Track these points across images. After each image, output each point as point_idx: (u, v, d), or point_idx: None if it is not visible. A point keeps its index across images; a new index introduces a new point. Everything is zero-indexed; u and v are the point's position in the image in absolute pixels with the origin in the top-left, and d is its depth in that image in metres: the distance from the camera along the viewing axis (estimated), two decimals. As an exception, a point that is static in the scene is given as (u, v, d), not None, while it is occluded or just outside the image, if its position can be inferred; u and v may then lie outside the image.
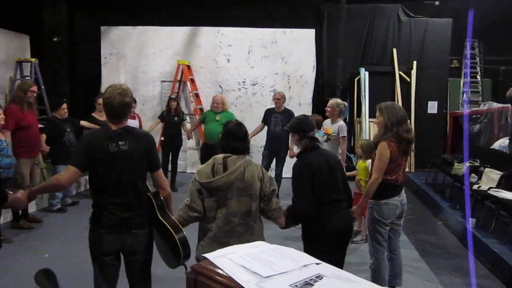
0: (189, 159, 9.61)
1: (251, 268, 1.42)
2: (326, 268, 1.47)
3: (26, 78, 8.46)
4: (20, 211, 5.73)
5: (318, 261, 1.50)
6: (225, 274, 1.41)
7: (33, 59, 8.67)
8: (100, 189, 2.77)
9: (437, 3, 10.06)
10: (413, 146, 3.76)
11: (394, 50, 9.77)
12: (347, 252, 3.45)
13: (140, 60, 9.70)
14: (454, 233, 5.96)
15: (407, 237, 5.67)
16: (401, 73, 9.75)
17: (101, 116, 6.85)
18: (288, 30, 9.40)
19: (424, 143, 9.58)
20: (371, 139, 6.05)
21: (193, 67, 9.53)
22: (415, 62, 9.75)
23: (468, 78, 10.13)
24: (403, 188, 3.83)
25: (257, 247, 1.66)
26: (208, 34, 9.52)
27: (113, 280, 2.88)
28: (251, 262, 1.47)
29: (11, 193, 2.65)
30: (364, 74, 9.59)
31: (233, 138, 2.88)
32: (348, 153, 7.62)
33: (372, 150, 5.11)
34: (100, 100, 6.88)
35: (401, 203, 3.75)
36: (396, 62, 9.74)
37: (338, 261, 3.32)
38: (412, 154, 9.55)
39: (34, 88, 5.86)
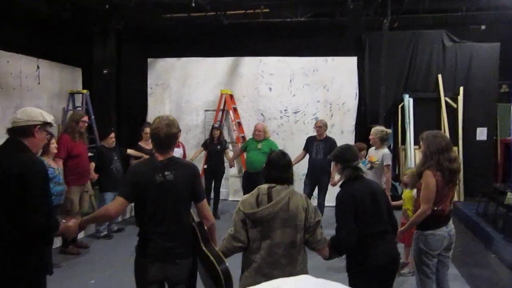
0: (231, 186, 9.67)
1: (297, 303, 1.40)
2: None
3: (78, 109, 8.85)
4: (69, 237, 5.92)
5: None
6: (270, 309, 1.39)
7: (85, 91, 9.08)
8: (146, 218, 2.83)
9: (483, 27, 9.80)
10: (459, 176, 3.61)
11: (439, 76, 9.56)
12: (394, 285, 3.32)
13: (184, 90, 9.98)
14: (509, 267, 5.63)
15: (457, 271, 5.40)
16: (447, 99, 9.50)
17: (147, 144, 7.05)
18: (329, 58, 9.42)
19: (473, 171, 9.20)
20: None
21: (235, 96, 9.69)
22: (461, 88, 9.48)
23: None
24: (451, 219, 3.69)
25: (301, 280, 1.63)
26: (250, 64, 9.69)
27: (157, 309, 2.90)
28: (296, 297, 1.45)
29: (64, 221, 2.75)
30: (408, 101, 9.42)
31: (276, 167, 2.89)
32: (393, 182, 7.43)
33: (416, 179, 5.00)
34: (147, 129, 7.10)
35: (449, 234, 3.61)
36: (442, 88, 9.51)
37: (384, 295, 3.21)
38: (461, 183, 9.18)
39: (85, 118, 6.14)
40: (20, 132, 2.58)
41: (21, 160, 2.48)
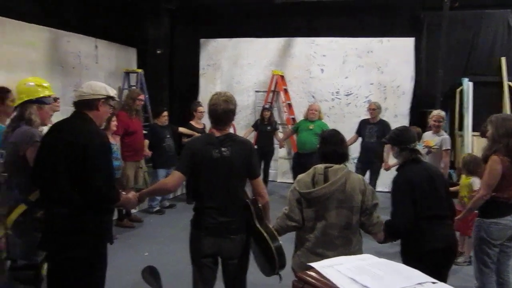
0: (279, 168, 9.67)
1: (361, 281, 1.38)
2: (443, 288, 1.37)
3: (133, 87, 9.09)
4: (124, 211, 6.15)
5: (434, 280, 1.41)
6: (333, 285, 1.38)
7: (139, 70, 9.31)
8: (201, 193, 2.87)
9: (555, 7, 9.15)
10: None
11: (503, 59, 9.03)
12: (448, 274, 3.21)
13: (235, 70, 10.01)
14: None
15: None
16: (510, 83, 8.98)
17: (198, 124, 7.16)
18: (384, 39, 9.12)
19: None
20: (475, 154, 5.65)
21: (286, 78, 9.61)
22: (527, 72, 8.94)
23: None
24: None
25: (364, 259, 1.60)
26: (302, 45, 9.56)
27: (210, 282, 2.96)
28: (360, 275, 1.42)
29: (124, 193, 2.84)
30: (468, 85, 8.98)
31: (331, 142, 2.85)
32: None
33: (478, 165, 4.77)
34: (200, 109, 7.20)
35: (514, 224, 3.43)
36: (505, 72, 8.98)
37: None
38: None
39: (142, 97, 6.30)
40: (85, 105, 2.69)
41: (86, 131, 2.58)
